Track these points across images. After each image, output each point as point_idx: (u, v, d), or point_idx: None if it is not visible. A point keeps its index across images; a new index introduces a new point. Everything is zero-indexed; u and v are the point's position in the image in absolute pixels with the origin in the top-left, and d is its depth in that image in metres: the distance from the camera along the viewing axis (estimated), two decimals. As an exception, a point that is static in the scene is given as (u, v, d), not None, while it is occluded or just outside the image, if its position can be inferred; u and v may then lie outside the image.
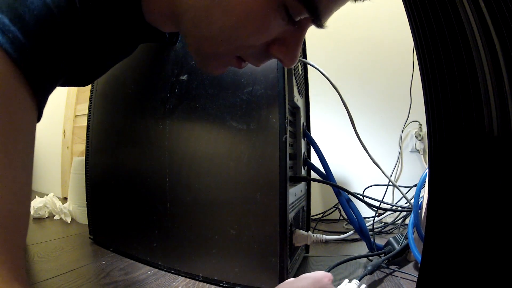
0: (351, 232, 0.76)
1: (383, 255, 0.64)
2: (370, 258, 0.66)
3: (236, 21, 0.29)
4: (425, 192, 0.60)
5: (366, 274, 0.54)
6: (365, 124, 1.21)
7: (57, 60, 0.27)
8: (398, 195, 1.18)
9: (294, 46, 0.32)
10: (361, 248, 0.79)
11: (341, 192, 0.64)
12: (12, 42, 0.22)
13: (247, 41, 0.31)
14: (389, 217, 1.05)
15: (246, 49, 0.32)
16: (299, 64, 0.64)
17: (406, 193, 0.93)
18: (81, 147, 1.54)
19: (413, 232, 0.60)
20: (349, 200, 0.65)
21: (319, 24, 0.31)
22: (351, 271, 0.62)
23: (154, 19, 0.36)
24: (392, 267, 0.62)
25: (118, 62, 0.42)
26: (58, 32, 0.26)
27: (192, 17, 0.31)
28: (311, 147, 0.70)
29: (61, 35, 0.26)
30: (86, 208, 0.81)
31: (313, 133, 0.70)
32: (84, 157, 0.82)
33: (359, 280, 0.51)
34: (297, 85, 0.60)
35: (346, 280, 0.51)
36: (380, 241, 0.74)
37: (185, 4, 0.31)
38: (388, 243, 0.67)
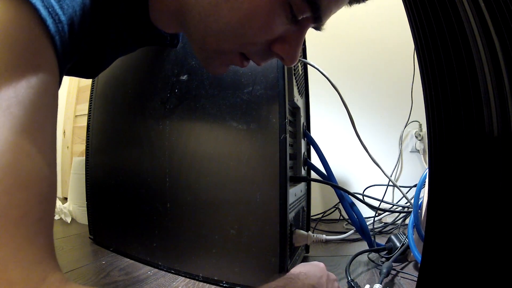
0: (351, 231, 0.76)
1: (385, 251, 0.67)
2: (382, 260, 0.67)
3: (243, 17, 0.30)
4: (425, 192, 0.60)
5: (384, 277, 0.55)
6: (365, 124, 1.21)
7: (80, 38, 0.29)
8: (398, 195, 1.18)
9: (295, 45, 0.34)
10: (361, 247, 0.79)
11: (344, 197, 0.64)
12: (51, 16, 0.24)
13: (252, 38, 0.32)
14: (389, 217, 1.05)
15: (250, 46, 0.33)
16: (299, 64, 0.64)
17: (406, 193, 0.93)
18: (81, 147, 1.54)
19: (413, 234, 0.60)
20: (353, 204, 0.65)
21: (319, 25, 0.33)
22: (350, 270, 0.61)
23: (159, 18, 0.37)
24: (393, 265, 0.62)
25: (125, 54, 0.43)
26: (86, 13, 0.28)
27: (199, 12, 0.32)
28: (311, 147, 0.70)
29: (87, 17, 0.28)
30: (86, 208, 0.81)
31: (313, 133, 0.70)
32: (84, 157, 0.82)
33: (381, 283, 0.51)
34: (297, 85, 0.60)
35: (368, 286, 0.51)
36: (380, 241, 0.74)
37: (193, 0, 0.32)
38: (390, 240, 0.69)
